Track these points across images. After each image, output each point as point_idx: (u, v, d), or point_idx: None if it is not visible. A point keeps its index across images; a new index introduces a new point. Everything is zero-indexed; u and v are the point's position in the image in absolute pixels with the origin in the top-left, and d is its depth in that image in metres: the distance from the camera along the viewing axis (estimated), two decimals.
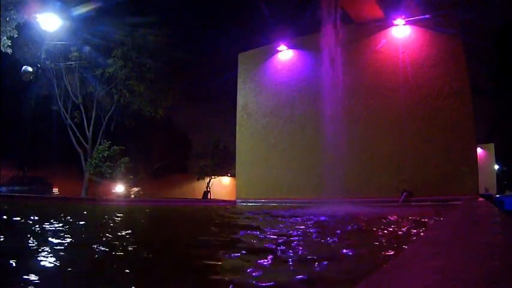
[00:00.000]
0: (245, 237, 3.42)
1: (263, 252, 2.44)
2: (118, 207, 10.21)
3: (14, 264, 1.99)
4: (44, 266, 2.00)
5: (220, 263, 2.30)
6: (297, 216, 5.65)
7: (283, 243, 2.73)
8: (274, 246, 2.67)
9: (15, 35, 12.52)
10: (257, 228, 4.12)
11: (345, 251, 2.46)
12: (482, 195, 10.27)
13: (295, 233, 3.61)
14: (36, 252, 2.39)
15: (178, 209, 10.09)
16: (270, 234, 3.51)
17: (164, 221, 6.28)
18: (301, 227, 4.28)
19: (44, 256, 2.26)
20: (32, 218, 4.75)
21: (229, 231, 4.26)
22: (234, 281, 1.73)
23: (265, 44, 13.53)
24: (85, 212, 7.27)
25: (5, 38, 12.15)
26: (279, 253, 2.39)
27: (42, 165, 21.18)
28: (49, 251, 2.44)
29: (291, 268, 1.99)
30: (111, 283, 1.77)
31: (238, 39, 16.97)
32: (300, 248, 2.65)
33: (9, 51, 12.62)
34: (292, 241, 2.92)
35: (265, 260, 2.13)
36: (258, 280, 1.66)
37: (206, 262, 2.25)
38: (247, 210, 8.19)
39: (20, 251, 2.48)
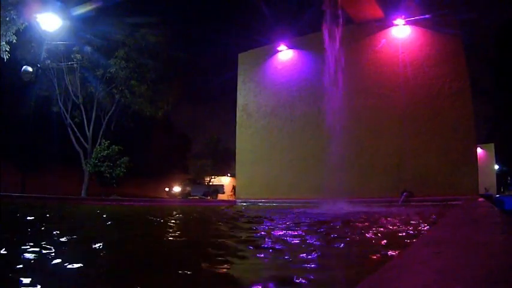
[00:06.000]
0: None
1: None
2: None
3: None
4: None
5: None
6: None
7: None
8: None
9: (14, 40, 12.45)
10: None
11: None
12: (482, 195, 10.29)
13: None
14: None
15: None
16: None
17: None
18: None
19: None
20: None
21: None
22: None
23: (265, 44, 13.54)
24: None
25: (3, 42, 12.08)
26: None
27: (42, 164, 21.16)
28: None
29: None
30: None
31: (238, 39, 16.99)
32: None
33: (7, 56, 12.51)
34: None
35: None
36: None
37: None
38: None
39: None
